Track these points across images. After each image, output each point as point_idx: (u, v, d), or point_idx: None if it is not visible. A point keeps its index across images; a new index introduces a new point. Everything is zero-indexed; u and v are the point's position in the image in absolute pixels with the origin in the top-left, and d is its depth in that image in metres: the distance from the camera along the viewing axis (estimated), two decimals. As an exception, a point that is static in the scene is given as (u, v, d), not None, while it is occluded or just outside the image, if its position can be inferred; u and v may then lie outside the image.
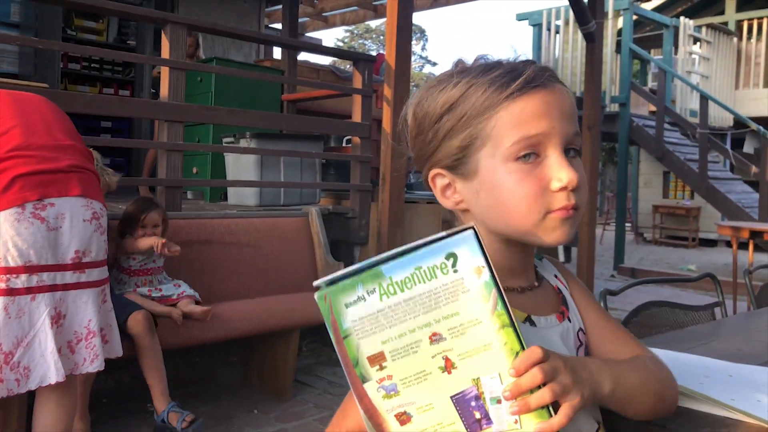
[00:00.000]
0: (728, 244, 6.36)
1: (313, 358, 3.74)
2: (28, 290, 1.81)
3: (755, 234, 4.48)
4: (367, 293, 0.60)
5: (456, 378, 0.60)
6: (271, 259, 3.48)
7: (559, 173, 0.70)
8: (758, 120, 8.24)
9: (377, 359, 0.60)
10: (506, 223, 0.74)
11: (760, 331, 1.43)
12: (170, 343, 2.56)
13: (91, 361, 1.93)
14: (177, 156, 3.36)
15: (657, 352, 1.07)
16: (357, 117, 4.09)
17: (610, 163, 17.53)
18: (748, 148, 8.66)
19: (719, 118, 9.13)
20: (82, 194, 1.93)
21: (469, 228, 0.62)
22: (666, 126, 8.22)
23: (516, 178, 0.71)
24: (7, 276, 1.78)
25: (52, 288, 1.85)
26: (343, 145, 5.23)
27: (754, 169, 7.72)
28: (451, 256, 0.61)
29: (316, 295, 0.62)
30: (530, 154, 0.71)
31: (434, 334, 0.60)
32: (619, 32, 8.19)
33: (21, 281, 1.80)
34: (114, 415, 2.79)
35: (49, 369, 1.82)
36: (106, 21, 6.60)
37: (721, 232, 5.11)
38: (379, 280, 0.60)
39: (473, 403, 0.60)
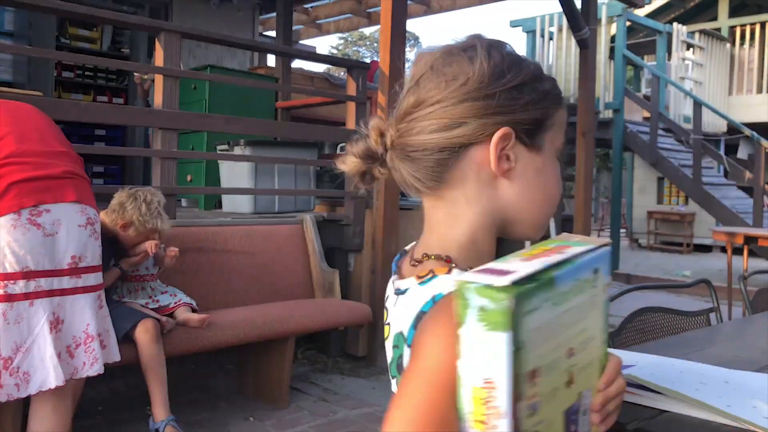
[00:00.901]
0: (723, 249, 6.37)
1: (309, 366, 3.73)
2: (26, 296, 1.82)
3: (750, 239, 4.49)
4: (543, 302, 0.54)
5: (570, 392, 0.60)
6: (266, 266, 3.47)
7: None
8: (752, 126, 8.28)
9: (534, 375, 0.54)
10: (533, 211, 0.75)
11: (756, 336, 1.43)
12: (166, 352, 2.54)
13: (91, 365, 1.93)
14: (171, 164, 3.35)
15: (652, 358, 1.07)
16: (351, 124, 4.10)
17: (604, 170, 17.59)
18: (742, 153, 8.70)
19: (713, 124, 9.17)
20: (76, 200, 1.94)
21: (607, 245, 0.63)
22: (660, 132, 8.25)
23: (558, 176, 0.77)
24: (5, 282, 1.79)
25: (50, 293, 1.85)
26: (338, 152, 5.23)
27: (748, 174, 7.75)
28: (596, 271, 0.61)
29: (488, 296, 0.51)
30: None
31: (571, 349, 0.58)
32: (613, 38, 8.23)
33: (19, 287, 1.80)
34: (110, 423, 2.77)
35: (48, 374, 1.82)
36: (100, 29, 6.61)
37: (716, 237, 5.12)
38: (551, 289, 0.55)
39: (573, 417, 0.60)
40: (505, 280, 0.50)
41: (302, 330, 3.14)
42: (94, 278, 1.99)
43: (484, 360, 0.51)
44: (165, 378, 2.47)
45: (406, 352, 0.69)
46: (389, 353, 0.75)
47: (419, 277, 0.70)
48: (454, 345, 0.53)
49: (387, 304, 0.78)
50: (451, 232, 0.72)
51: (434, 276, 0.68)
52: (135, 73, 5.49)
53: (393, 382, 0.74)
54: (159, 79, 3.40)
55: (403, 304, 0.71)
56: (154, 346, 2.43)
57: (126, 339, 2.38)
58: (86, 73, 6.60)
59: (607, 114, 8.04)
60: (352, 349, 3.91)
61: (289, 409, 3.05)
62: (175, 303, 2.74)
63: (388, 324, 0.76)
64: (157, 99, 3.41)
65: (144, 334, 2.41)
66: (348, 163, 0.74)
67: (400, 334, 0.71)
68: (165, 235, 2.74)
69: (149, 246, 2.59)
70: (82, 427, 2.59)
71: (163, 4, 6.61)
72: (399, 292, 0.73)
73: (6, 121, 1.96)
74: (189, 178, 4.81)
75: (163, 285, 2.83)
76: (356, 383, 3.51)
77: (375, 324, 3.73)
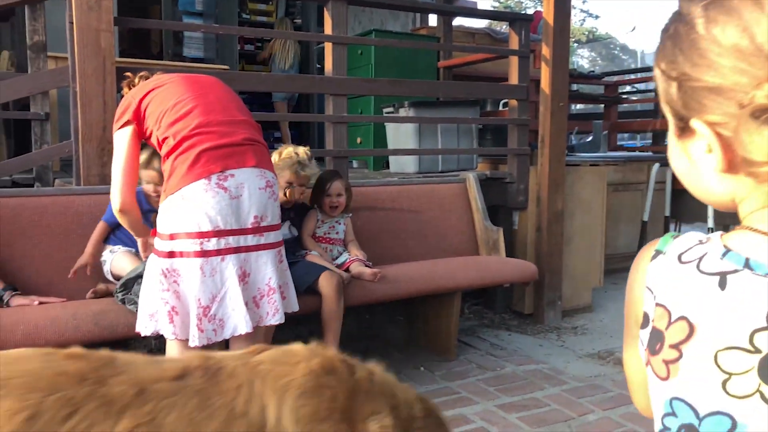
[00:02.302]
0: None
1: (476, 321, 3.82)
2: (218, 252, 2.02)
3: None
4: None
5: None
6: (432, 224, 3.59)
7: None
8: None
9: None
10: None
11: None
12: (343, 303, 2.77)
13: (273, 315, 2.13)
14: (342, 127, 3.56)
15: None
16: (514, 79, 4.03)
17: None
18: None
19: None
20: (256, 165, 2.11)
21: None
22: None
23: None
24: (201, 240, 2.00)
25: (237, 250, 2.05)
26: (500, 108, 5.17)
27: None
28: None
29: None
30: None
31: None
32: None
33: (212, 244, 2.01)
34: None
35: (239, 321, 2.03)
36: (275, 2, 7.05)
37: None
38: None
39: None
40: None
41: (468, 285, 3.23)
42: (274, 236, 2.17)
43: None
44: (339, 327, 2.69)
45: None
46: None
47: None
48: None
49: None
50: None
51: None
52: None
53: None
54: (328, 46, 3.59)
55: None
56: (335, 297, 2.66)
57: (309, 290, 2.63)
58: (265, 44, 7.11)
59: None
60: (518, 306, 3.94)
61: (458, 362, 3.17)
62: (350, 258, 2.96)
63: None
64: (327, 65, 3.61)
65: (327, 285, 2.65)
66: None
67: None
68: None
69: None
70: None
71: (329, -27, 6.88)
72: None
73: (193, 95, 2.17)
74: (359, 140, 5.05)
75: (342, 247, 3.06)
76: (523, 340, 3.54)
77: (541, 282, 3.72)
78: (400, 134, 4.45)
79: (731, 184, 0.61)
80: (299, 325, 3.32)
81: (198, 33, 6.34)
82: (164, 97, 2.16)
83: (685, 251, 0.64)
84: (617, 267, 4.67)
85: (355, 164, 5.33)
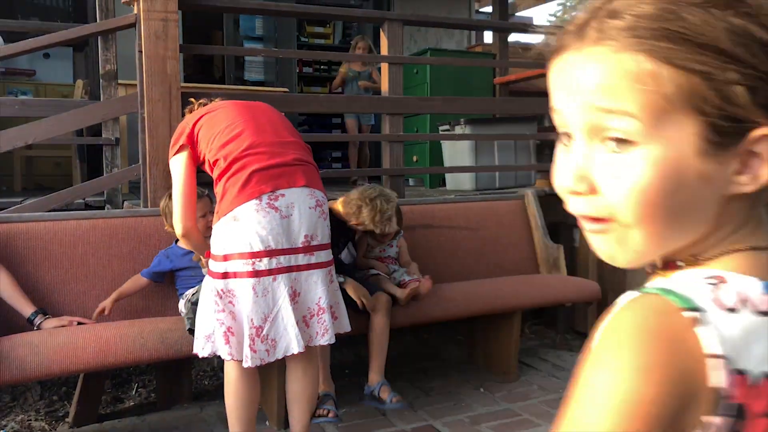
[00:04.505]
0: None
1: (537, 341, 3.74)
2: (270, 271, 2.03)
3: None
4: None
5: None
6: (490, 241, 3.54)
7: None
8: None
9: None
10: None
11: None
12: (398, 321, 2.77)
13: (322, 335, 2.13)
14: (398, 146, 3.58)
15: None
16: (573, 94, 3.96)
17: None
18: None
19: None
20: (306, 185, 2.13)
21: None
22: None
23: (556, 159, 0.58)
24: (253, 260, 2.01)
25: (288, 269, 2.06)
26: (559, 124, 5.09)
27: None
28: None
29: None
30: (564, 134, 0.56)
31: None
32: None
33: (264, 264, 2.02)
34: (354, 384, 3.08)
35: (291, 341, 2.04)
36: (332, 25, 7.20)
37: None
38: None
39: None
40: None
41: (529, 304, 3.17)
42: (325, 255, 2.17)
43: None
44: (386, 347, 2.68)
45: None
46: None
47: None
48: None
49: None
50: None
51: None
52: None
53: None
54: (384, 67, 3.63)
55: None
56: (381, 319, 2.65)
57: (359, 309, 2.62)
58: (322, 66, 7.25)
59: None
60: (580, 326, 3.83)
61: (519, 383, 3.10)
62: (410, 279, 2.96)
63: None
64: (384, 86, 3.65)
65: (377, 305, 2.65)
66: None
67: None
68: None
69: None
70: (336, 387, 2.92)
71: (385, -7, 6.98)
72: None
73: (244, 117, 2.22)
74: (415, 158, 5.07)
75: (396, 265, 3.06)
76: (585, 360, 3.44)
77: (604, 301, 3.61)
78: (457, 151, 4.43)
79: (732, 207, 0.52)
80: (358, 345, 3.33)
81: (259, 57, 6.53)
82: (216, 121, 2.21)
83: (719, 298, 0.50)
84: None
85: (411, 182, 5.34)
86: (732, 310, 0.49)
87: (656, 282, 0.55)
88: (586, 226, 0.56)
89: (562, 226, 3.92)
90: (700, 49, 0.48)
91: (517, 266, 3.55)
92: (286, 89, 5.02)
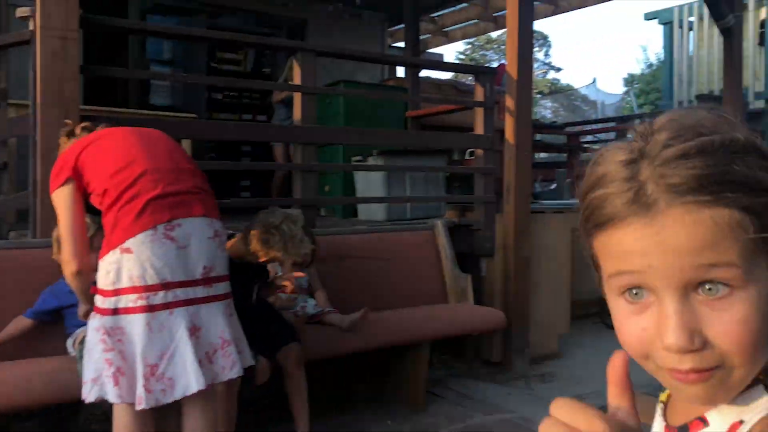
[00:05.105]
0: None
1: (445, 371, 3.78)
2: (166, 305, 1.93)
3: None
4: None
5: None
6: (401, 272, 3.57)
7: (662, 330, 0.54)
8: None
9: None
10: None
11: None
12: (306, 356, 2.71)
13: (230, 368, 2.04)
14: (312, 176, 3.56)
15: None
16: (479, 129, 4.11)
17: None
18: None
19: None
20: (204, 214, 2.06)
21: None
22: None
23: (621, 314, 0.57)
24: (147, 294, 1.91)
25: (187, 302, 1.97)
26: (467, 157, 5.26)
27: None
28: None
29: None
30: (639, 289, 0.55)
31: None
32: (763, 24, 7.54)
33: (159, 298, 1.92)
34: (263, 420, 2.98)
35: (190, 379, 1.93)
36: (244, 52, 7.12)
37: None
38: None
39: None
40: None
41: (437, 335, 3.20)
42: (224, 287, 2.10)
43: None
44: (306, 398, 2.62)
45: None
46: None
47: None
48: None
49: None
50: None
51: None
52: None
53: None
54: (297, 96, 3.62)
55: None
56: (297, 371, 2.60)
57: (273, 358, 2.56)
58: (233, 93, 7.14)
59: (758, 105, 7.38)
60: (487, 355, 3.91)
61: (426, 413, 3.11)
62: (323, 311, 2.91)
63: None
64: (296, 115, 3.64)
65: (288, 358, 2.59)
66: None
67: None
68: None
69: (289, 280, 2.61)
70: (244, 423, 2.80)
71: (300, 23, 7.01)
72: None
73: (137, 144, 2.12)
74: (327, 188, 5.06)
75: (306, 296, 3.01)
76: (492, 388, 3.51)
77: (509, 330, 3.71)
78: (369, 183, 4.47)
79: None
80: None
81: (165, 81, 6.35)
82: (104, 149, 2.10)
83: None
84: (583, 313, 4.70)
85: (323, 212, 5.32)
86: None
87: None
88: (685, 379, 0.55)
89: (469, 256, 4.02)
90: (761, 192, 0.52)
91: (427, 296, 3.59)
92: (194, 115, 4.90)
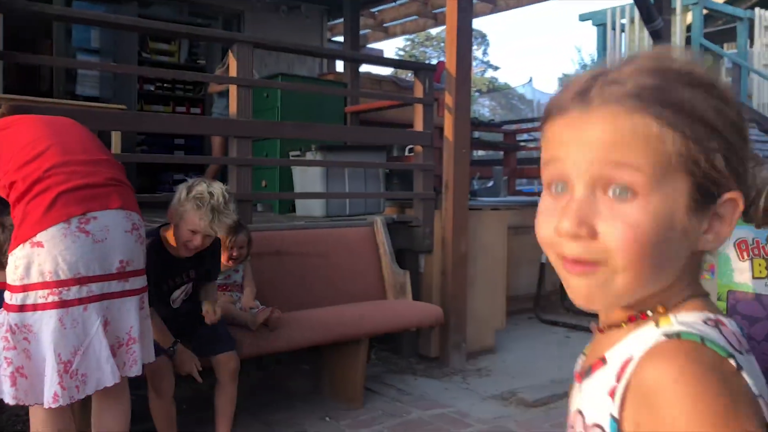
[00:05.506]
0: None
1: (383, 367, 3.77)
2: (80, 301, 1.88)
3: None
4: None
5: None
6: (339, 268, 3.54)
7: (561, 217, 0.59)
8: None
9: None
10: None
11: None
12: (243, 354, 2.65)
13: (130, 366, 2.01)
14: (246, 170, 3.48)
15: None
16: (419, 126, 4.12)
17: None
18: (835, 142, 8.14)
19: (802, 112, 8.62)
20: (121, 207, 2.00)
21: None
22: (743, 123, 7.84)
23: (542, 206, 0.64)
24: (60, 289, 1.85)
25: (101, 297, 1.92)
26: (406, 154, 5.27)
27: (842, 164, 7.25)
28: None
29: None
30: (561, 184, 0.61)
31: None
32: (689, 28, 7.90)
33: (73, 293, 1.86)
34: (195, 421, 2.90)
35: (104, 373, 1.90)
36: (177, 43, 6.91)
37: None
38: None
39: None
40: None
41: (375, 331, 3.19)
42: (140, 281, 2.06)
43: None
44: (232, 412, 2.58)
45: None
46: None
47: None
48: None
49: None
50: None
51: None
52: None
53: None
54: (233, 88, 3.53)
55: None
56: (229, 382, 2.54)
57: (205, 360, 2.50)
58: (165, 85, 6.91)
59: (685, 106, 7.71)
60: (424, 350, 3.94)
61: (364, 410, 3.10)
62: (240, 308, 2.85)
63: None
64: (232, 108, 3.54)
65: (223, 368, 2.53)
66: None
67: None
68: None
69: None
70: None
71: (236, 14, 6.85)
72: None
73: (47, 134, 2.04)
74: (264, 183, 4.96)
75: (240, 293, 2.94)
76: (429, 384, 3.53)
77: (446, 325, 3.74)
78: (307, 178, 4.41)
79: (693, 261, 0.62)
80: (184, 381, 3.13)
81: (94, 71, 6.08)
82: (11, 139, 2.01)
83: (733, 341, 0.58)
84: (518, 308, 4.79)
85: (259, 208, 5.22)
86: (741, 352, 0.57)
87: (671, 326, 0.58)
88: (571, 269, 0.59)
89: (408, 252, 4.03)
90: (693, 119, 0.56)
91: (366, 292, 3.58)
92: (124, 106, 4.70)
